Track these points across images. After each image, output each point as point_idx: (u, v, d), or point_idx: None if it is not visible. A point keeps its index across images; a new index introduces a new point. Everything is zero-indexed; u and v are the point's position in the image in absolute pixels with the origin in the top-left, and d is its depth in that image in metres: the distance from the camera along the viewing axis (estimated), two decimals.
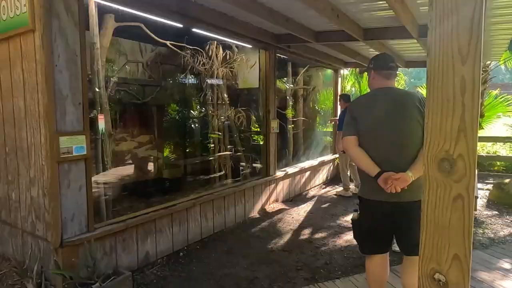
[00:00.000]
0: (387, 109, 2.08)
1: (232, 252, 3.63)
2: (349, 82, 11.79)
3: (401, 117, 2.05)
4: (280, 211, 4.99)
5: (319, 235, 4.12)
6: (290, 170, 5.64)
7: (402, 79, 11.88)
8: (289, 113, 6.61)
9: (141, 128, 4.82)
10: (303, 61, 6.41)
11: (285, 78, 6.86)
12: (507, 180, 5.47)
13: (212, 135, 4.85)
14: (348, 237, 4.01)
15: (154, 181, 4.82)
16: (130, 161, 4.75)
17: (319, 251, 3.64)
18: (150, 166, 5.12)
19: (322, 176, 6.80)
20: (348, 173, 6.35)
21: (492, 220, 4.59)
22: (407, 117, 2.04)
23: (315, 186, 6.53)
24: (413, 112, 2.03)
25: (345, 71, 8.98)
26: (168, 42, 3.72)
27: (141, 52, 4.73)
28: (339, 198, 5.86)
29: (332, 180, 7.16)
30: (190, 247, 3.70)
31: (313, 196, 5.94)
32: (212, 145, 4.93)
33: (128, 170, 4.70)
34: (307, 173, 6.22)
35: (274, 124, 5.02)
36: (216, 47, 4.57)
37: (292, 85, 6.85)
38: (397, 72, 2.32)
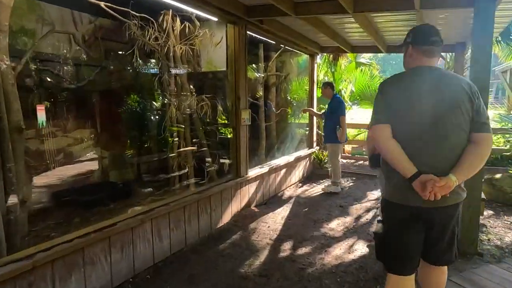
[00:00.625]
0: (428, 94, 1.67)
1: (194, 280, 2.79)
2: (322, 70, 11.19)
3: (447, 105, 1.66)
4: (253, 218, 4.19)
5: (302, 250, 3.37)
6: (264, 168, 4.85)
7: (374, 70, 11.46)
8: (260, 102, 5.79)
9: (77, 120, 3.82)
10: (277, 43, 5.61)
11: (257, 64, 6.03)
12: (498, 176, 5.03)
13: (172, 128, 3.94)
14: (338, 252, 3.30)
15: (95, 187, 3.84)
16: (64, 162, 3.74)
17: (305, 274, 2.89)
18: (91, 167, 4.12)
19: (298, 173, 6.09)
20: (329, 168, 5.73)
21: (492, 222, 4.09)
22: (454, 106, 1.66)
23: (291, 185, 5.80)
24: (461, 100, 1.67)
25: (320, 58, 8.33)
26: (102, 3, 2.75)
27: (75, 23, 3.69)
28: (321, 197, 5.17)
29: (309, 177, 6.47)
30: (138, 277, 2.81)
31: (290, 198, 5.20)
32: (173, 141, 4.03)
33: (59, 174, 3.69)
34: (283, 171, 5.47)
35: (246, 115, 4.19)
36: (172, 19, 3.63)
37: (263, 72, 6.03)
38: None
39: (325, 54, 8.86)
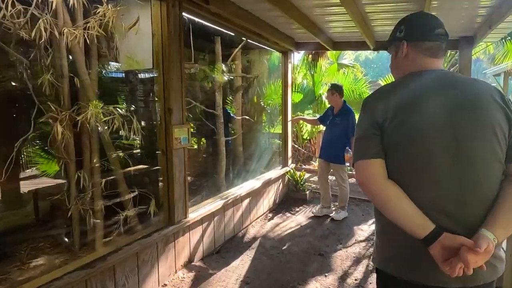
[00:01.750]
0: (441, 111, 1.10)
1: None
2: (300, 72, 10.01)
3: (473, 127, 1.10)
4: (194, 284, 2.89)
5: None
6: (217, 203, 3.56)
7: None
8: (218, 111, 4.50)
9: None
10: (238, 36, 4.36)
11: (214, 64, 4.75)
12: None
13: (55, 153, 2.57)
14: None
15: None
16: None
17: None
18: None
19: (268, 201, 4.82)
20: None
21: None
22: (484, 126, 1.10)
23: (258, 218, 4.53)
24: (494, 117, 1.10)
25: (295, 58, 7.16)
26: None
27: None
28: (295, 237, 3.91)
29: (282, 204, 5.22)
30: None
31: (254, 239, 3.92)
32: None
33: None
34: (246, 202, 4.19)
35: (181, 134, 2.89)
36: None
37: (223, 73, 4.75)
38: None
39: (302, 52, 7.64)
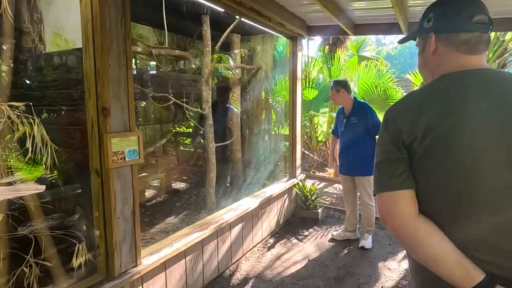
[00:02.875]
0: (489, 125, 0.88)
1: None
2: (316, 66, 8.99)
3: None
4: None
5: None
6: (192, 237, 2.62)
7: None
8: (206, 110, 3.55)
9: None
10: (230, 13, 3.40)
11: (200, 50, 3.81)
12: None
13: None
14: None
15: None
16: None
17: None
18: None
19: (268, 223, 3.86)
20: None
21: None
22: None
23: (253, 248, 3.57)
24: None
25: (310, 49, 6.16)
26: None
27: None
28: (304, 281, 2.93)
29: (287, 225, 4.24)
30: None
31: (245, 280, 2.97)
32: None
33: None
34: (237, 228, 3.24)
35: (126, 145, 1.95)
36: None
37: (211, 62, 3.80)
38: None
39: (316, 41, 6.61)
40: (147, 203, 4.06)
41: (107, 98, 1.84)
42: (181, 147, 4.73)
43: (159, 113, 4.32)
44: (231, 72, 4.63)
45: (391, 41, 34.49)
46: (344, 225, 3.82)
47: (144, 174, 4.29)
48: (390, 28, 4.04)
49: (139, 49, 3.53)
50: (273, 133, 6.46)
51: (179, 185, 4.73)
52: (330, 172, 6.86)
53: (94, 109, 1.85)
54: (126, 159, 1.95)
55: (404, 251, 3.27)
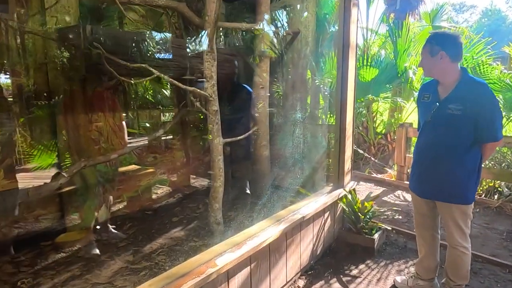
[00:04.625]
0: None
1: None
2: (376, 41, 7.38)
3: None
4: None
5: None
6: None
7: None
8: (210, 91, 2.40)
9: None
10: None
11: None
12: None
13: None
14: None
15: None
16: None
17: None
18: None
19: (298, 256, 2.63)
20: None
21: None
22: None
23: None
24: None
25: (369, 20, 4.76)
26: None
27: None
28: None
29: (329, 255, 2.99)
30: None
31: None
32: None
33: None
34: (244, 274, 2.08)
35: None
36: None
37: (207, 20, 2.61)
38: None
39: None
40: (135, 215, 3.11)
41: None
42: (192, 139, 3.72)
43: (159, 95, 3.28)
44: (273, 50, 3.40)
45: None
46: (415, 267, 2.49)
47: (142, 172, 3.30)
48: None
49: None
50: (320, 122, 5.14)
51: (184, 191, 3.68)
52: (391, 173, 5.39)
53: None
54: None
55: None
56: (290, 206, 2.74)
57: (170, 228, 2.83)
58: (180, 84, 2.28)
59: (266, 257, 2.25)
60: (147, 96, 3.30)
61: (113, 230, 3.13)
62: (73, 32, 2.57)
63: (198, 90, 2.39)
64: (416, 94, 5.76)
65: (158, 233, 2.76)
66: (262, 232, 2.23)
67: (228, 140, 2.67)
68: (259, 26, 3.06)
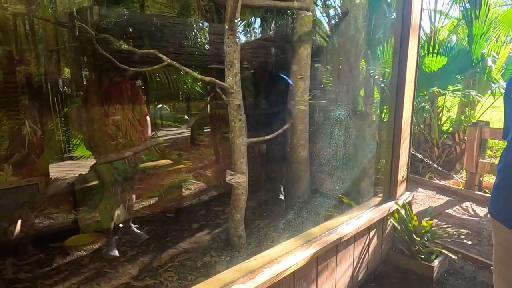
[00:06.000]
0: None
1: None
2: (446, 26, 6.41)
3: None
4: None
5: None
6: None
7: None
8: (231, 80, 2.01)
9: None
10: None
11: None
12: None
13: None
14: None
15: None
16: None
17: None
18: None
19: (333, 283, 2.18)
20: None
21: None
22: None
23: None
24: None
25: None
26: None
27: None
28: None
29: (375, 280, 2.48)
30: None
31: None
32: None
33: None
34: None
35: None
36: None
37: None
38: None
39: None
40: (155, 217, 2.86)
41: None
42: (222, 135, 3.36)
43: (184, 85, 2.98)
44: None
45: None
46: None
47: (168, 169, 3.05)
48: None
49: None
50: (374, 118, 4.50)
51: (211, 192, 3.35)
52: (458, 180, 4.58)
53: None
54: None
55: None
56: (326, 221, 2.28)
57: (187, 236, 2.53)
58: (194, 73, 1.93)
59: (290, 285, 1.84)
60: (171, 87, 3.03)
61: (135, 230, 2.93)
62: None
63: (217, 81, 2.01)
64: (495, 86, 4.83)
65: (173, 241, 2.47)
66: (285, 257, 1.81)
67: (254, 139, 2.28)
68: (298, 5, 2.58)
